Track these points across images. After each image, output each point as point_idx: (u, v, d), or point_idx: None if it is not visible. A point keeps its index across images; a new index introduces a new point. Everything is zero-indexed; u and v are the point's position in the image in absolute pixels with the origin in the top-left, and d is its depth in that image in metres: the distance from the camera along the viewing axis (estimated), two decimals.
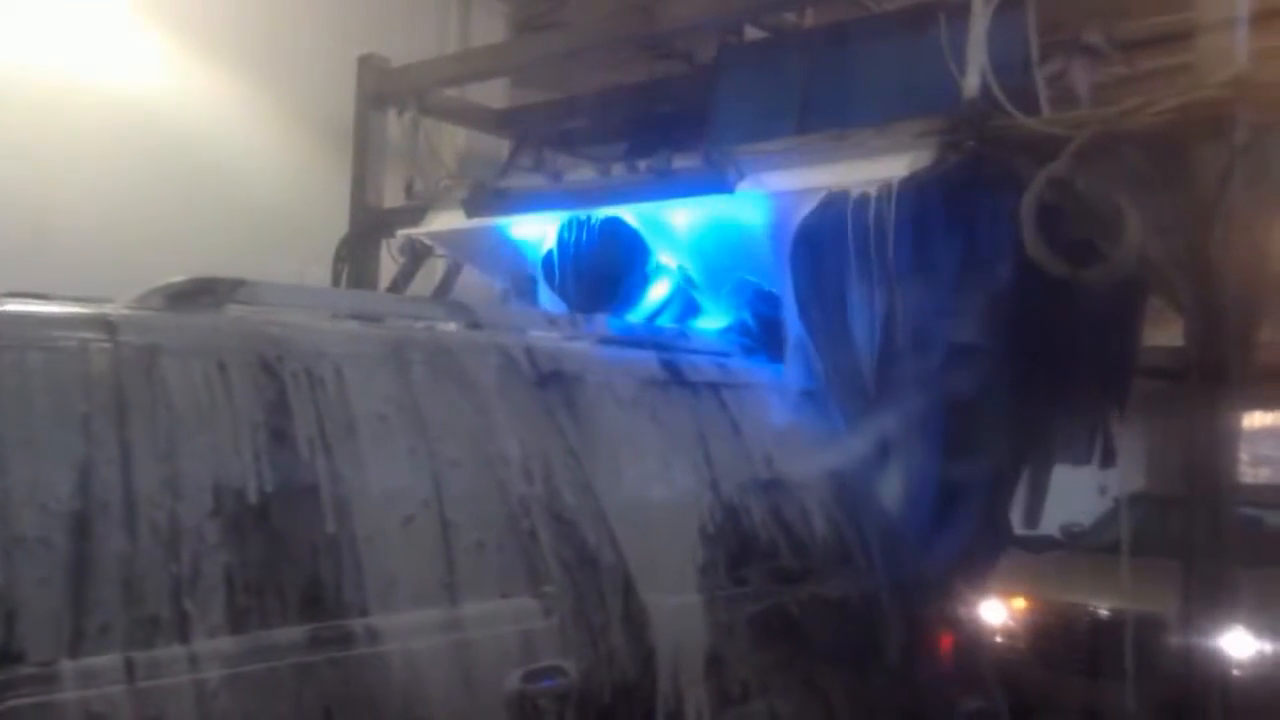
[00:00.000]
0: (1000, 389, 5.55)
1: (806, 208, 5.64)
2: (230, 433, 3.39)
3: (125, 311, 3.47)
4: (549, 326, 4.97)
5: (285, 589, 3.33)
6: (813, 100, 6.58)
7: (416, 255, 7.85)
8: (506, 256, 7.05)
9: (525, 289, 6.98)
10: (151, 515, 3.15)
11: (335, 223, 8.28)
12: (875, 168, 5.56)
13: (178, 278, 3.75)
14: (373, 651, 3.45)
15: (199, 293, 3.73)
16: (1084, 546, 9.69)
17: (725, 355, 5.46)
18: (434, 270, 8.15)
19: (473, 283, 7.83)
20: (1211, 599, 5.06)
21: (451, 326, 4.58)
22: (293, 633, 3.31)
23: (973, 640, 5.60)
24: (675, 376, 4.91)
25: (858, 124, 5.81)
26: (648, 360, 4.90)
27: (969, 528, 5.59)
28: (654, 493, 4.55)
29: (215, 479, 3.30)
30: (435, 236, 7.51)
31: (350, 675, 3.38)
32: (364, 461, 3.67)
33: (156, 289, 3.69)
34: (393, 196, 8.26)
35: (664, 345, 5.17)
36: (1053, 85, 6.06)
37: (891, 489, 5.47)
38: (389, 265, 8.10)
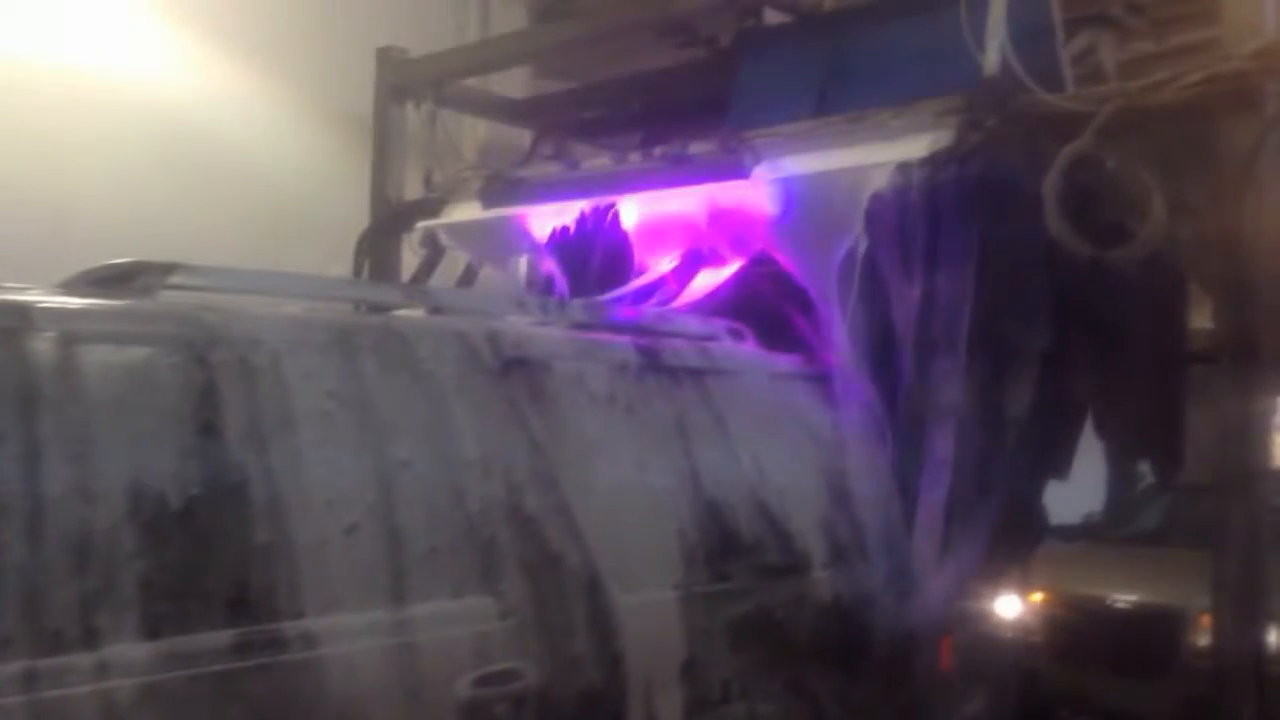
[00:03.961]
0: (1039, 381, 5.39)
1: (825, 191, 5.49)
2: (152, 428, 3.11)
3: (41, 297, 3.18)
4: (518, 310, 4.64)
5: (209, 593, 3.07)
6: (832, 83, 6.40)
7: (437, 248, 7.66)
8: (524, 247, 6.88)
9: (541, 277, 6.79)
10: (60, 517, 2.88)
11: (356, 216, 8.08)
12: (894, 149, 5.41)
13: (112, 261, 3.51)
14: (306, 657, 3.18)
15: (130, 276, 3.47)
16: (1107, 537, 9.39)
17: (710, 339, 5.09)
18: (457, 262, 7.99)
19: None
20: (1243, 591, 4.89)
21: (409, 312, 4.30)
22: (216, 638, 3.05)
23: (978, 638, 5.33)
24: (652, 362, 4.56)
25: (878, 106, 5.65)
26: (623, 345, 4.55)
27: (1003, 520, 5.41)
28: (627, 486, 4.21)
29: (134, 478, 3.02)
30: (453, 229, 7.34)
31: (281, 683, 3.12)
32: (303, 461, 3.36)
33: (85, 273, 3.45)
34: (414, 189, 8.06)
35: (642, 329, 4.83)
36: (1079, 63, 5.91)
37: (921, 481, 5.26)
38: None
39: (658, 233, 6.25)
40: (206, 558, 3.09)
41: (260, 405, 3.33)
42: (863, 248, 5.37)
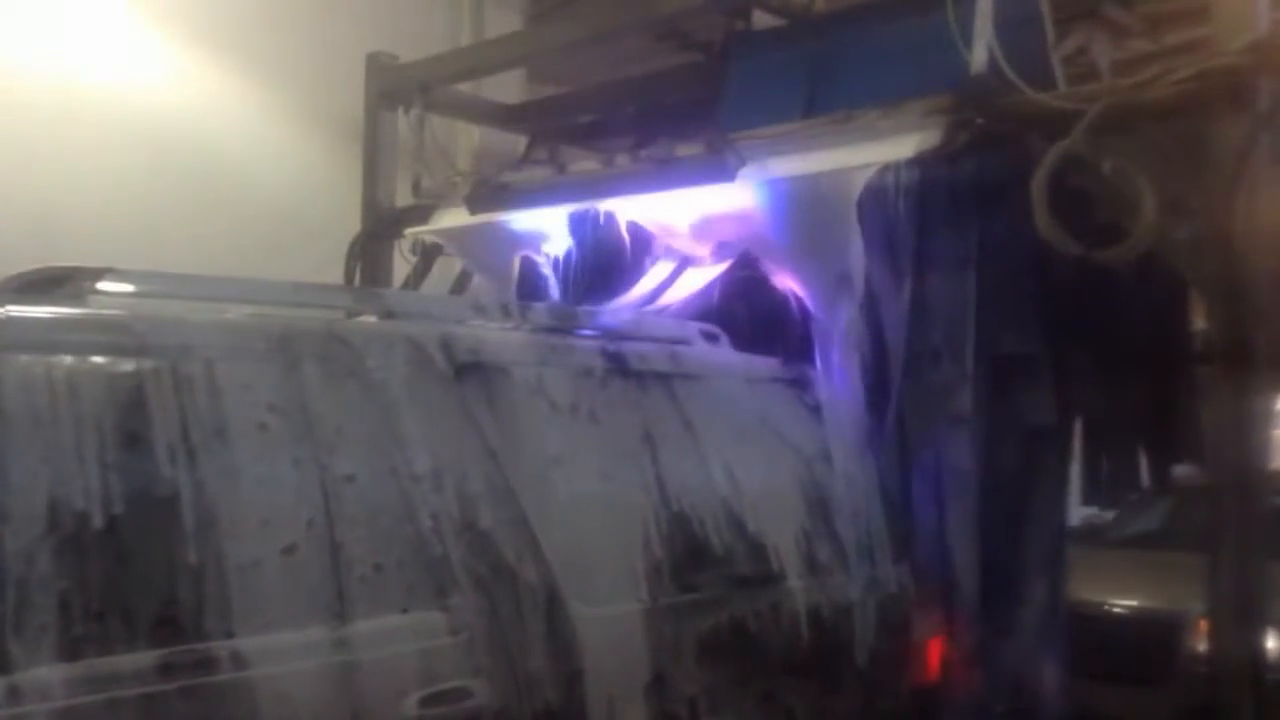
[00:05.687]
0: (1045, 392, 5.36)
1: (812, 192, 5.37)
2: (74, 440, 2.92)
3: None
4: (477, 314, 4.41)
5: (132, 613, 2.88)
6: (821, 86, 6.31)
7: (428, 254, 7.60)
8: (512, 253, 6.74)
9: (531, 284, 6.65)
10: None
11: (348, 222, 7.98)
12: (881, 150, 5.27)
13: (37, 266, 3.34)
14: (237, 678, 2.99)
15: (60, 281, 3.29)
16: (1105, 541, 9.15)
17: (681, 343, 4.87)
18: (451, 268, 7.87)
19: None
20: (1241, 595, 4.74)
21: (361, 317, 4.07)
22: (138, 659, 2.86)
23: (969, 649, 5.14)
24: (619, 367, 4.35)
25: (866, 107, 5.52)
26: (587, 349, 4.35)
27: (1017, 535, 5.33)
28: (589, 496, 4.00)
29: (54, 493, 2.84)
30: (443, 234, 7.22)
31: (209, 705, 2.93)
32: (238, 476, 3.16)
33: (13, 277, 3.26)
34: (406, 195, 7.94)
35: (610, 333, 4.62)
36: (1074, 62, 5.80)
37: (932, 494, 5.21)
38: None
39: (647, 237, 6.14)
40: (130, 577, 2.91)
41: (191, 416, 3.14)
42: (859, 251, 5.24)
